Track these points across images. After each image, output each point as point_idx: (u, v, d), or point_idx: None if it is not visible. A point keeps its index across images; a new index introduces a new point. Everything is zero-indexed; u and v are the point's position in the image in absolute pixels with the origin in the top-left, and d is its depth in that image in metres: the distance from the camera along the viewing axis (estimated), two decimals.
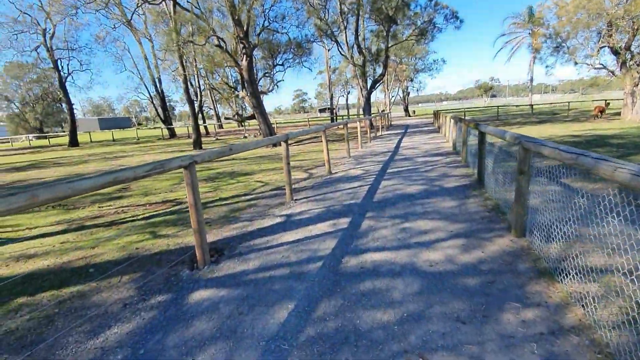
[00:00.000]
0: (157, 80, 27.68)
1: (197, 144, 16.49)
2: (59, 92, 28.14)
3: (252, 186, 6.94)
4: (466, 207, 4.42)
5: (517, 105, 40.79)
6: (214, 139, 24.73)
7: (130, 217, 5.29)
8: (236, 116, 15.48)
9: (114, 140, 32.55)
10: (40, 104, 49.47)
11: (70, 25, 26.71)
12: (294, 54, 15.57)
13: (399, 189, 5.63)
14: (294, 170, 8.27)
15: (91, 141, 33.40)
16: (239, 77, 15.96)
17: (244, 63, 13.75)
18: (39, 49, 27.19)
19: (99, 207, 6.16)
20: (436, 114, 23.11)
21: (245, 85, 14.25)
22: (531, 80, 40.49)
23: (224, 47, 13.32)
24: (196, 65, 17.36)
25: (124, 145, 25.15)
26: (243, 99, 14.45)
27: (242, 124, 27.85)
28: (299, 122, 42.42)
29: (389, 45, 21.12)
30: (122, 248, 3.93)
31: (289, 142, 5.78)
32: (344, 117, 36.81)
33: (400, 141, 13.48)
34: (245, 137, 23.41)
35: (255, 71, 15.25)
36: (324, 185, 6.41)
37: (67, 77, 28.03)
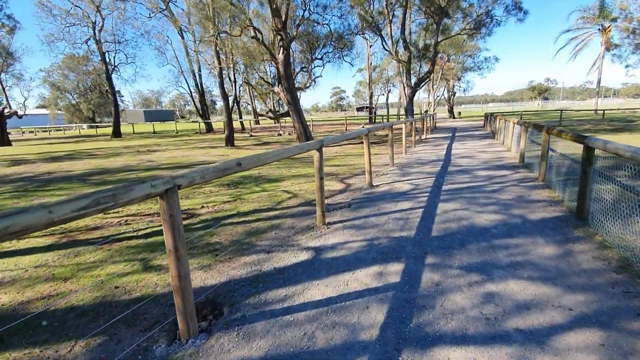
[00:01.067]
0: (196, 73, 27.72)
1: (229, 141, 15.87)
2: (105, 84, 29.04)
3: (278, 197, 5.89)
4: (576, 260, 3.03)
5: (577, 110, 36.79)
6: (248, 135, 24.23)
7: (130, 231, 4.42)
8: (269, 113, 14.66)
9: (154, 132, 33.30)
10: (92, 95, 52.53)
11: (118, 19, 27.39)
12: (334, 47, 14.37)
13: (464, 217, 4.30)
14: (328, 179, 7.13)
15: (134, 133, 34.45)
16: (276, 72, 15.16)
17: (281, 56, 12.80)
18: (89, 42, 28.18)
19: (105, 213, 5.40)
20: (488, 117, 20.92)
21: (281, 80, 13.31)
22: (599, 82, 36.26)
23: (261, 39, 12.44)
24: (233, 58, 16.75)
25: (161, 138, 25.38)
26: (278, 94, 13.59)
27: (278, 120, 27.23)
28: (335, 120, 41.32)
29: (439, 40, 19.30)
30: (98, 286, 2.99)
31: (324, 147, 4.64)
32: (383, 117, 35.09)
33: (450, 147, 11.89)
34: (279, 134, 22.65)
35: (292, 66, 14.27)
36: (364, 203, 5.21)
37: (113, 70, 28.88)
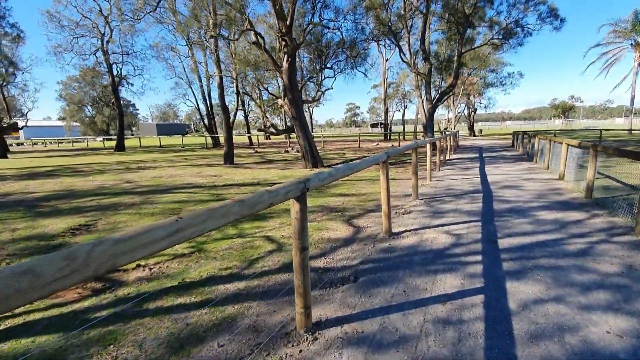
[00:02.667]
0: (203, 85, 26.64)
1: (228, 158, 14.27)
2: (111, 96, 28.27)
3: (254, 250, 4.06)
4: None
5: (605, 129, 34.02)
6: (254, 151, 22.71)
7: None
8: (271, 128, 13.09)
9: (160, 146, 32.32)
10: (106, 108, 52.72)
11: (127, 31, 26.79)
12: (347, 56, 12.79)
13: (565, 323, 2.35)
14: (330, 217, 5.28)
15: (140, 146, 33.56)
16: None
17: (285, 65, 11.23)
18: (97, 53, 27.62)
19: None
20: (518, 136, 18.78)
21: (285, 91, 11.71)
22: (632, 100, 33.57)
23: (263, 44, 10.92)
24: (236, 67, 15.37)
25: (163, 152, 24.13)
26: (282, 107, 12.03)
27: (288, 137, 25.72)
28: (348, 137, 39.68)
29: (463, 51, 17.53)
30: None
31: (327, 183, 2.81)
32: (399, 134, 33.22)
33: (482, 171, 9.89)
34: (287, 151, 21.03)
35: (300, 76, 12.69)
36: (379, 272, 3.32)
37: (120, 82, 28.17)
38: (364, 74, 14.51)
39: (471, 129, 38.72)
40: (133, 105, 75.01)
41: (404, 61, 18.60)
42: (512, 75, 34.12)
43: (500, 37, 17.29)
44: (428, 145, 8.40)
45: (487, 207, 5.63)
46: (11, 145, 38.11)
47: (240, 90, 11.75)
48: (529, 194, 6.65)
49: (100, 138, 52.58)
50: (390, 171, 10.21)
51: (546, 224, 4.66)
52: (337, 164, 13.69)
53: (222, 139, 30.28)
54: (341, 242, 4.25)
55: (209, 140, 29.45)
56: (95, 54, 27.71)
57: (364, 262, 3.56)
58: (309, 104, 37.25)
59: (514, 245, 3.85)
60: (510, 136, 34.50)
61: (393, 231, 4.53)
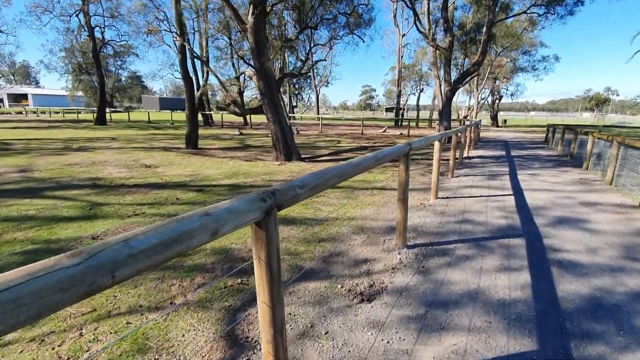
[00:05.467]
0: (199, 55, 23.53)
1: (190, 142, 11.50)
2: (93, 64, 25.47)
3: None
4: None
5: None
6: (238, 133, 19.82)
7: None
8: (232, 105, 10.19)
9: (149, 121, 29.81)
10: (111, 80, 50.34)
11: None
12: (337, 13, 9.52)
13: None
14: (320, 241, 2.44)
15: (129, 120, 31.18)
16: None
17: (250, 19, 8.18)
18: (80, 16, 24.80)
19: None
20: (553, 130, 15.29)
21: (252, 56, 8.71)
22: None
23: None
24: (202, 26, 12.33)
25: (140, 129, 21.50)
26: (251, 78, 9.15)
27: (293, 117, 22.64)
28: (352, 120, 36.10)
29: (496, 19, 13.96)
30: None
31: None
32: (410, 121, 29.68)
33: (515, 183, 6.82)
34: (239, 133, 18.06)
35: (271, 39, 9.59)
36: None
37: (101, 47, 25.46)
38: (361, 38, 11.18)
39: (494, 118, 34.68)
40: (139, 77, 72.69)
41: (420, 32, 15.12)
42: (547, 59, 29.78)
43: (545, 2, 13.59)
44: (436, 144, 5.37)
45: (543, 290, 2.68)
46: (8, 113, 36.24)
47: (183, 47, 8.90)
48: (606, 238, 3.66)
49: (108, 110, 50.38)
50: (377, 175, 7.24)
51: None
52: (322, 155, 10.75)
53: (204, 117, 27.19)
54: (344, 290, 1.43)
55: (200, 117, 26.74)
56: (77, 15, 24.90)
57: None
58: (297, 79, 33.40)
59: None
60: (538, 129, 30.54)
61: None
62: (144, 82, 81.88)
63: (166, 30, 11.75)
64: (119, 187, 6.08)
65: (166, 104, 61.40)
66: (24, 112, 42.70)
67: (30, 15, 24.22)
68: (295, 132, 20.08)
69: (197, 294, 2.62)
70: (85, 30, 25.24)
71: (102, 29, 25.75)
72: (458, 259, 3.24)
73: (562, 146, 12.92)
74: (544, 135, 18.84)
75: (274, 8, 8.71)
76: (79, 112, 39.41)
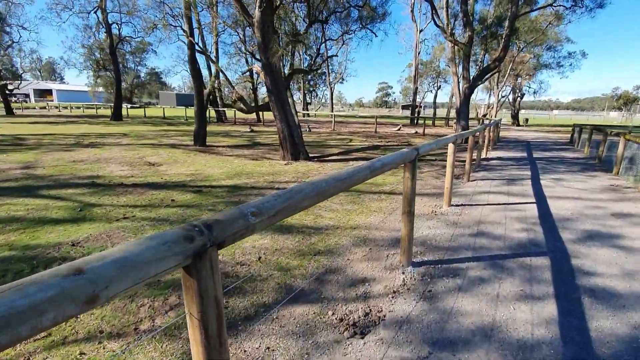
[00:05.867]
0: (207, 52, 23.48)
1: (199, 139, 11.31)
2: (109, 60, 25.76)
3: None
4: None
5: None
6: (249, 130, 19.63)
7: None
8: (238, 102, 9.91)
9: (164, 117, 30.06)
10: (130, 76, 51.25)
11: None
12: (348, 5, 9.01)
13: None
14: (317, 254, 2.13)
15: (145, 116, 31.54)
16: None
17: (257, 13, 7.86)
18: (98, 12, 25.11)
19: None
20: (582, 130, 14.39)
21: (259, 51, 8.40)
22: None
23: None
24: (214, 22, 12.11)
25: (153, 125, 21.61)
26: (259, 74, 8.83)
27: (307, 114, 22.37)
28: (366, 118, 35.43)
29: (520, 13, 13.17)
30: None
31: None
32: (425, 119, 28.86)
33: (537, 189, 6.28)
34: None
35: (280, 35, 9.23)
36: None
37: (117, 44, 25.72)
38: (374, 33, 10.63)
39: (515, 117, 33.35)
40: (157, 73, 73.70)
41: (437, 25, 14.46)
42: (573, 55, 28.32)
43: None
44: (451, 146, 4.91)
45: (572, 327, 2.25)
46: (19, 109, 37.37)
47: (191, 43, 8.61)
48: None
49: (129, 105, 51.34)
50: (386, 178, 6.80)
51: None
52: (331, 155, 10.37)
53: (217, 113, 27.19)
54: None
55: (213, 113, 26.77)
56: (95, 12, 25.23)
57: None
58: (312, 76, 32.80)
59: None
60: (562, 129, 29.12)
61: None
62: (162, 78, 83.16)
63: (172, 25, 11.55)
64: (116, 186, 5.88)
65: (183, 100, 62.14)
66: (47, 107, 43.89)
67: (50, 12, 24.71)
68: (307, 129, 19.75)
69: (167, 317, 2.31)
70: (103, 27, 25.61)
71: (119, 26, 26.04)
72: (471, 282, 2.83)
73: (590, 148, 12.13)
74: (569, 135, 17.85)
75: (282, 1, 8.33)
76: (98, 108, 40.15)
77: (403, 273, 2.96)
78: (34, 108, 46.66)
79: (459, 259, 3.28)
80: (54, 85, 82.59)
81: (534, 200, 5.46)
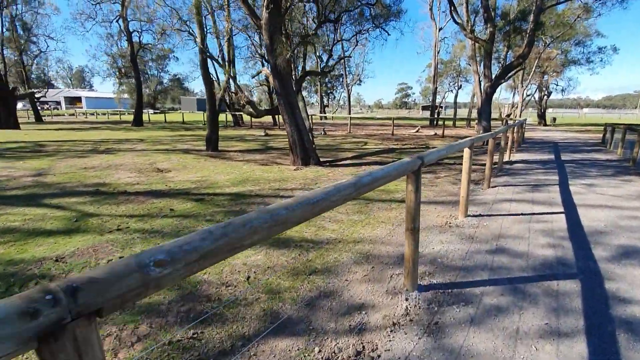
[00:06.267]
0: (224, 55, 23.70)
1: (211, 144, 11.25)
2: (130, 67, 26.52)
3: None
4: None
5: None
6: (264, 134, 19.55)
7: None
8: (247, 106, 9.73)
9: (183, 122, 30.60)
10: (153, 82, 52.78)
11: None
12: (362, 4, 8.67)
13: None
14: (312, 274, 1.85)
15: (165, 121, 32.25)
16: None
17: (265, 15, 7.66)
18: (120, 21, 25.86)
19: None
20: (614, 130, 13.36)
21: (267, 54, 8.20)
22: None
23: None
24: (228, 26, 12.03)
25: (171, 130, 21.94)
26: (268, 77, 8.64)
27: (325, 117, 22.20)
28: (384, 120, 34.77)
29: (545, 6, 12.41)
30: None
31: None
32: (445, 120, 27.98)
33: (567, 197, 5.72)
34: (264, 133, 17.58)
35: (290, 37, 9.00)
36: None
37: (138, 51, 26.38)
38: (387, 32, 10.21)
39: (542, 116, 31.81)
40: (179, 79, 75.62)
41: (456, 22, 13.86)
42: (603, 51, 26.68)
43: None
44: (466, 151, 4.49)
45: None
46: (48, 116, 39.05)
47: (202, 48, 8.58)
48: None
49: (152, 111, 52.85)
50: (398, 184, 6.39)
51: None
52: (344, 159, 10.03)
53: (233, 117, 27.33)
54: None
55: (229, 117, 27.00)
56: (117, 20, 26.00)
57: None
58: (328, 78, 32.34)
59: None
60: (593, 128, 27.44)
61: None
62: (184, 84, 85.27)
63: (178, 29, 11.58)
64: (119, 194, 5.79)
65: (203, 104, 63.31)
66: (75, 114, 45.75)
67: (75, 22, 25.64)
68: (322, 132, 19.46)
69: (131, 351, 2.06)
70: (124, 35, 26.37)
71: (140, 34, 26.72)
72: (485, 312, 2.44)
73: (623, 149, 11.21)
74: (601, 135, 16.72)
75: (291, 2, 8.10)
76: (122, 114, 41.48)
77: (406, 299, 2.60)
78: (63, 115, 48.79)
79: (473, 282, 2.88)
80: (83, 93, 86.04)
81: (562, 210, 4.94)
